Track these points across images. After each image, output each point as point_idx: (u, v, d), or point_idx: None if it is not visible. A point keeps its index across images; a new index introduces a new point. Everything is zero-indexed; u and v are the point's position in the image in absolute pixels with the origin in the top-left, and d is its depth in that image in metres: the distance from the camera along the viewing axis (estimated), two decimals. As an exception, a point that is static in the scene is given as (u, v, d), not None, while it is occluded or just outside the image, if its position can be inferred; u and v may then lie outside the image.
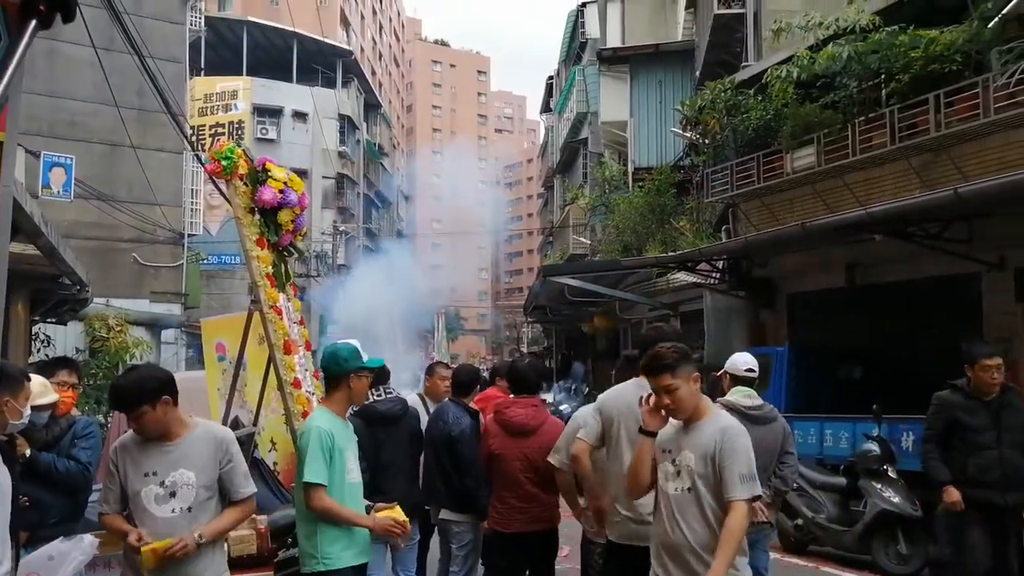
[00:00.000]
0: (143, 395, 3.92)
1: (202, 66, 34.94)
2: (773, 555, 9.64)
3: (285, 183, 6.01)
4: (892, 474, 9.12)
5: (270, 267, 5.95)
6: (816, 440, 11.14)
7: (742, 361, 6.20)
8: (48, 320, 14.99)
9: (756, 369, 6.23)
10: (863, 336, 13.43)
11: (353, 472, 4.56)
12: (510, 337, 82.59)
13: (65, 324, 16.53)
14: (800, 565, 9.57)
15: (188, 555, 3.84)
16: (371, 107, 53.42)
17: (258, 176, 5.93)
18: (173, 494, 3.96)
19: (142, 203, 22.64)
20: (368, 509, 4.61)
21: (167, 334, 25.01)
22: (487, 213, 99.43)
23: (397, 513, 4.55)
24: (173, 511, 3.95)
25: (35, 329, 14.45)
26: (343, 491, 4.42)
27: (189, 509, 3.97)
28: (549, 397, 27.91)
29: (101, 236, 22.10)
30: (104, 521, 4.04)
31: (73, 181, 17.58)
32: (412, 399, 7.25)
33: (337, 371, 4.60)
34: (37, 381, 5.05)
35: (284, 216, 6.08)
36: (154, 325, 23.54)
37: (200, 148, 29.31)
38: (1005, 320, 10.95)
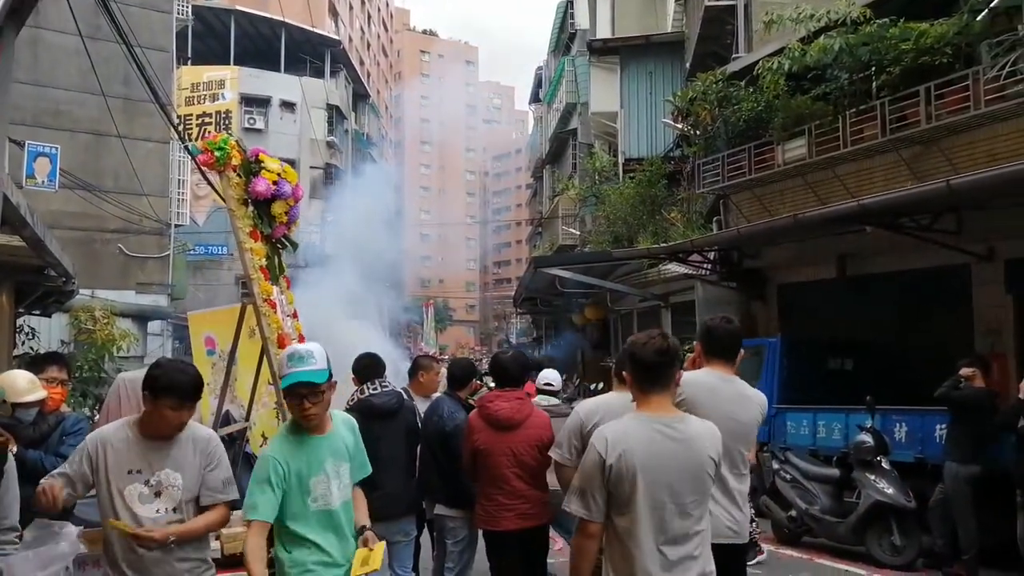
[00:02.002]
0: (200, 390, 3.92)
1: (189, 55, 34.78)
2: (768, 547, 9.68)
3: (279, 174, 5.94)
4: (886, 465, 9.16)
5: (264, 260, 5.88)
6: (809, 431, 11.15)
7: (542, 378, 8.03)
8: (33, 312, 14.88)
9: (555, 384, 8.05)
10: (854, 327, 13.44)
11: (325, 498, 4.03)
12: (499, 328, 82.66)
13: (50, 316, 16.40)
14: (794, 557, 9.59)
15: (151, 546, 3.73)
16: (359, 97, 53.25)
17: (251, 167, 5.86)
18: (158, 494, 3.84)
19: (128, 193, 22.52)
20: (358, 534, 4.17)
21: (153, 326, 24.88)
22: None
23: (370, 561, 4.00)
24: (158, 511, 3.83)
25: (20, 321, 14.32)
26: (307, 520, 3.98)
27: (175, 510, 3.86)
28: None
29: (86, 227, 22.00)
30: (41, 486, 3.77)
31: (58, 171, 17.43)
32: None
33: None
34: (25, 377, 4.99)
35: (278, 208, 6.01)
36: (140, 317, 23.40)
37: (188, 138, 29.16)
38: (994, 312, 10.98)
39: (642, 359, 3.60)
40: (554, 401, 7.65)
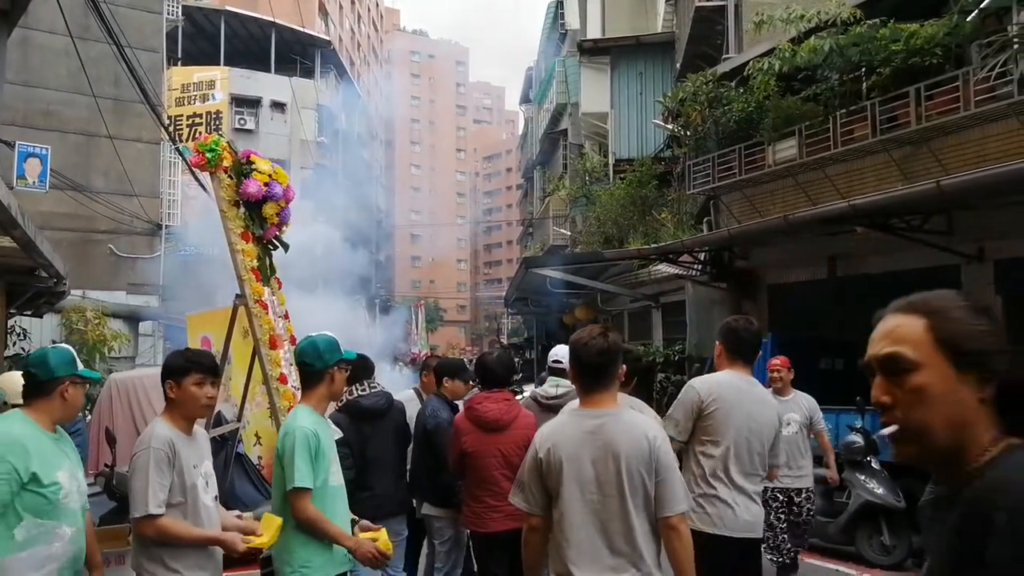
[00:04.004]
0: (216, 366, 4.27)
1: (179, 56, 34.67)
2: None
3: (270, 176, 5.93)
4: (875, 465, 9.18)
5: (255, 261, 5.87)
6: (799, 432, 11.16)
7: (552, 354, 6.40)
8: (24, 313, 14.83)
9: (563, 360, 6.12)
10: (845, 328, 13.45)
11: (336, 475, 4.28)
12: (490, 328, 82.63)
13: (41, 317, 16.35)
14: (783, 557, 9.59)
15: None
16: (349, 98, 53.11)
17: (243, 169, 5.85)
18: (208, 484, 4.06)
19: (119, 194, 22.47)
20: (353, 523, 4.40)
21: (144, 326, 24.81)
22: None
23: (383, 541, 4.27)
24: (212, 499, 4.09)
25: (11, 322, 14.27)
26: (324, 495, 4.16)
27: (216, 498, 4.14)
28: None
29: (77, 227, 21.93)
30: (162, 526, 3.82)
31: (48, 171, 17.37)
32: (408, 394, 7.21)
33: (319, 365, 4.33)
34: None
35: (269, 209, 6.00)
36: (131, 317, 23.33)
37: (178, 139, 29.08)
38: (984, 312, 11.01)
39: (583, 359, 3.66)
40: (565, 385, 6.23)
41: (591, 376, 3.66)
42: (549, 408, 5.78)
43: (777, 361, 8.20)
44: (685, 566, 3.53)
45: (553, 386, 6.23)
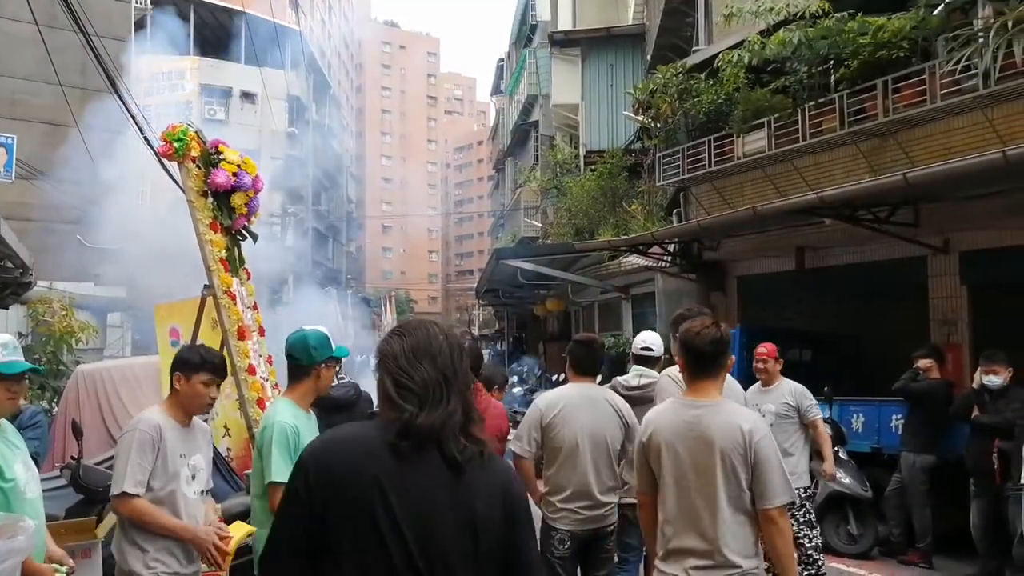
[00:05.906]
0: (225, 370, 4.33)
1: (148, 44, 34.32)
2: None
3: (239, 166, 5.90)
4: (843, 455, 9.26)
5: (224, 251, 5.84)
6: (767, 422, 11.24)
7: (639, 340, 6.35)
8: (-11, 304, 14.67)
9: (654, 348, 6.25)
10: (813, 319, 13.57)
11: None
12: (461, 319, 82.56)
13: (7, 308, 16.16)
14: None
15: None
16: (320, 88, 52.85)
17: (211, 158, 5.82)
18: (194, 476, 4.08)
19: (86, 184, 22.21)
20: None
21: (113, 318, 24.55)
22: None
23: None
24: (196, 493, 4.10)
25: (-24, 314, 14.11)
26: None
27: (203, 492, 4.15)
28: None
29: (43, 218, 21.65)
30: (136, 506, 3.87)
31: (14, 161, 17.16)
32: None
33: (306, 361, 4.28)
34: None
35: (237, 199, 5.97)
36: (99, 309, 23.08)
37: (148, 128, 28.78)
38: (950, 303, 11.15)
39: (695, 347, 3.74)
40: (650, 375, 5.98)
41: (700, 365, 3.74)
42: (630, 400, 5.61)
43: (763, 349, 7.79)
44: (784, 560, 3.59)
45: (636, 375, 6.09)
